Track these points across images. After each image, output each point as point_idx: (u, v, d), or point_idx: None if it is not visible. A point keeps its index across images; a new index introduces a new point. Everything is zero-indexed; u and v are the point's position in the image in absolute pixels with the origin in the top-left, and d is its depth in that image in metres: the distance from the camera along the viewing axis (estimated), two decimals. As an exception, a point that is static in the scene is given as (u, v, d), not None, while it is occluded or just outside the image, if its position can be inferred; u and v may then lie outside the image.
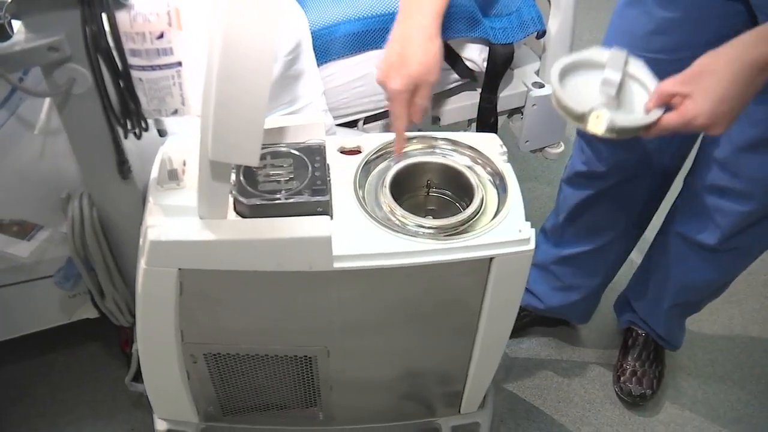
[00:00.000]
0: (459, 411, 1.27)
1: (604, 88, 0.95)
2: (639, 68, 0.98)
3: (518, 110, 1.44)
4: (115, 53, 0.78)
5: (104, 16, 0.76)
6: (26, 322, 1.27)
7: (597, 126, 0.93)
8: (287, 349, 1.07)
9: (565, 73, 0.99)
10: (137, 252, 1.00)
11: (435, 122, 1.40)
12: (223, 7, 0.67)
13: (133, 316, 1.12)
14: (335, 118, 1.26)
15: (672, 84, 0.91)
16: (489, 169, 1.05)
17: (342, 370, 1.12)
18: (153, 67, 0.82)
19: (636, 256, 1.48)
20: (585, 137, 1.29)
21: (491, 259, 0.96)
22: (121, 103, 0.80)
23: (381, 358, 1.13)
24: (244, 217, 0.92)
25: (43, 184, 0.98)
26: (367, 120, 1.31)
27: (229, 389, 1.16)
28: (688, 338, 1.53)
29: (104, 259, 1.01)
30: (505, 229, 0.96)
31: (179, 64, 0.83)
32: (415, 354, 1.13)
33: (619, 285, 1.56)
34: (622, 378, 1.48)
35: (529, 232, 0.96)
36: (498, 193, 1.02)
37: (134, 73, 0.82)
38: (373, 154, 1.06)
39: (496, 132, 1.32)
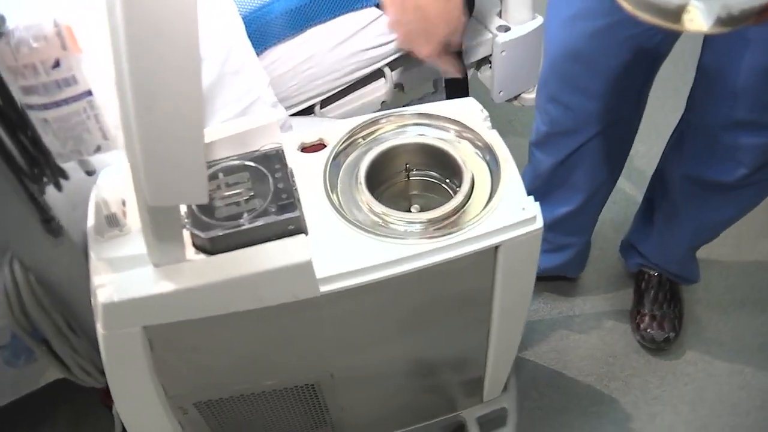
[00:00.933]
0: (482, 399, 1.17)
1: None
2: None
3: (485, 60, 1.30)
4: None
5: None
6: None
7: (697, 20, 0.67)
8: (285, 382, 0.95)
9: None
10: (89, 308, 0.87)
11: (400, 90, 1.26)
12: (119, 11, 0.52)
13: (103, 374, 0.99)
14: (288, 108, 1.11)
15: None
16: (473, 140, 0.92)
17: (351, 390, 1.01)
18: (57, 103, 0.67)
19: (630, 189, 1.37)
20: (548, 95, 1.17)
21: (497, 247, 0.84)
22: (25, 155, 0.65)
23: (391, 368, 1.01)
24: (206, 252, 0.79)
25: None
26: (324, 103, 1.17)
27: (229, 430, 1.04)
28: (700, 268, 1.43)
29: (55, 324, 0.87)
30: (506, 209, 0.84)
31: (89, 93, 0.68)
32: (428, 355, 1.02)
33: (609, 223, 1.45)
34: (641, 325, 1.39)
35: (534, 209, 0.84)
36: (489, 168, 0.90)
37: (35, 114, 0.67)
38: (341, 145, 0.92)
39: (467, 88, 1.19)
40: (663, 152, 1.31)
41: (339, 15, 1.08)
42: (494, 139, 0.91)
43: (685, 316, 1.43)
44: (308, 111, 1.16)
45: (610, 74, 1.08)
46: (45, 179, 0.69)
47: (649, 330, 1.38)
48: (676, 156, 1.24)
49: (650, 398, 1.34)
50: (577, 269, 1.48)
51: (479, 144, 0.91)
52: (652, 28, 0.92)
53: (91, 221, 0.80)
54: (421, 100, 1.32)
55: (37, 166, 0.67)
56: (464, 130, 0.93)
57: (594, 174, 1.25)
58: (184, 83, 0.55)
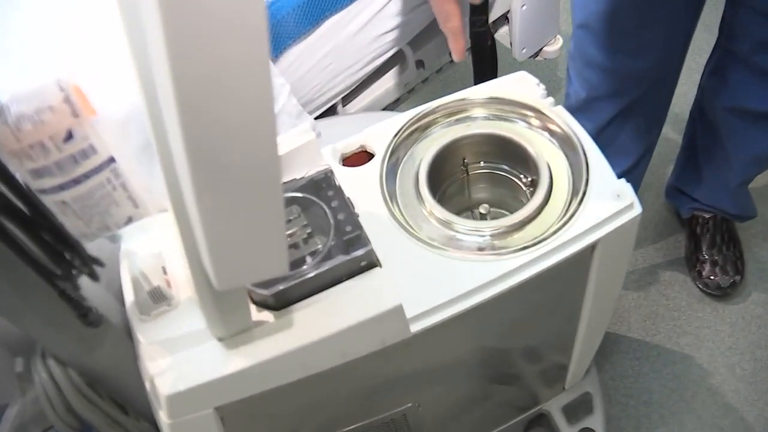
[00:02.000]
0: (564, 387, 1.08)
1: None
2: None
3: (502, 18, 1.17)
4: (4, 188, 0.49)
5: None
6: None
7: None
8: (371, 422, 0.85)
9: None
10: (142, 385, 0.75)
11: (419, 67, 1.12)
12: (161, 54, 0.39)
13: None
14: (311, 112, 0.97)
15: None
16: (537, 120, 0.81)
17: (437, 414, 0.91)
18: (76, 180, 0.54)
19: (666, 130, 1.27)
20: (585, 60, 1.06)
21: (596, 243, 0.73)
22: (49, 252, 0.52)
23: (477, 384, 0.92)
24: (270, 308, 0.67)
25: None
26: (345, 99, 1.03)
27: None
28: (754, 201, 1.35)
29: (106, 415, 0.75)
30: (597, 199, 0.73)
31: (111, 160, 0.55)
32: (514, 361, 0.92)
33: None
34: (703, 272, 1.31)
35: (629, 195, 0.73)
36: (563, 152, 0.78)
37: (51, 198, 0.54)
38: (390, 151, 0.80)
39: (494, 56, 1.06)
40: (699, 85, 1.20)
41: (353, 1, 0.94)
42: (563, 116, 0.79)
43: (745, 254, 1.35)
44: (330, 111, 1.03)
45: (657, 26, 0.97)
46: (75, 272, 0.57)
47: (712, 276, 1.30)
48: (714, 88, 1.15)
49: (725, 348, 1.27)
50: None
51: (547, 125, 0.80)
52: None
53: (130, 298, 0.67)
54: (439, 72, 1.19)
55: (65, 261, 0.54)
56: (526, 110, 0.81)
57: (641, 136, 1.15)
58: (259, 139, 0.42)
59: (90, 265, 0.56)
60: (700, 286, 1.32)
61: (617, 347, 1.29)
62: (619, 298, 1.35)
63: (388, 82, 1.08)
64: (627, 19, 0.96)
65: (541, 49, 1.24)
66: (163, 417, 0.67)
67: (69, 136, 0.51)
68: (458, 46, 0.90)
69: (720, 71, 1.12)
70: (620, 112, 1.09)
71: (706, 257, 1.31)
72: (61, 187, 0.54)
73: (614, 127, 1.11)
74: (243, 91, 0.39)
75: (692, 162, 1.27)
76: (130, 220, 0.60)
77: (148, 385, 0.68)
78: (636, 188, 1.28)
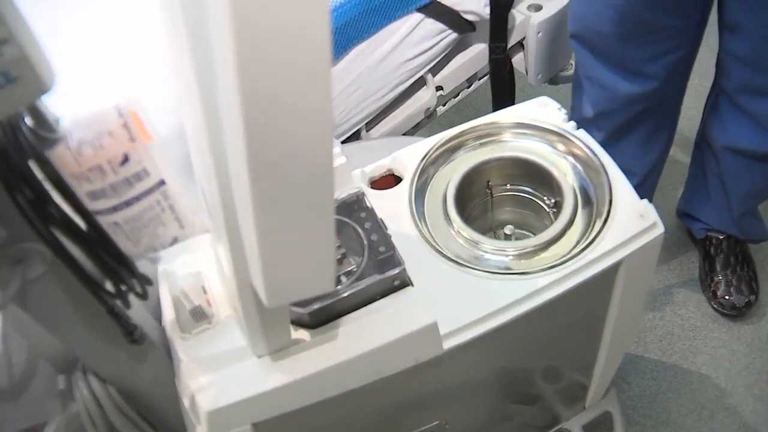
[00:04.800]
0: (584, 407, 1.10)
1: None
2: None
3: (518, 45, 1.21)
4: (67, 208, 0.52)
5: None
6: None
7: None
8: (398, 441, 0.86)
9: None
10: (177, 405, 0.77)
11: (438, 91, 1.15)
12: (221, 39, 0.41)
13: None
14: (335, 137, 1.00)
15: None
16: (560, 144, 0.83)
17: (462, 429, 0.92)
18: (128, 203, 0.57)
19: (674, 152, 1.29)
20: (587, 75, 1.08)
21: (621, 262, 0.75)
22: (104, 269, 0.54)
23: (501, 403, 0.93)
24: (306, 327, 0.69)
25: (31, 386, 0.72)
26: (369, 124, 1.06)
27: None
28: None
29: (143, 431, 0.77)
30: (621, 219, 0.75)
31: (162, 182, 0.58)
32: (537, 382, 0.94)
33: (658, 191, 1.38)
34: (718, 292, 1.33)
35: (652, 214, 0.76)
36: (587, 175, 0.81)
37: (104, 219, 0.56)
38: (419, 173, 0.82)
39: (512, 81, 1.09)
40: (701, 119, 1.23)
41: (380, 28, 0.98)
42: (586, 139, 0.82)
43: (759, 274, 1.37)
44: (354, 136, 1.06)
45: (655, 45, 1.00)
46: (127, 290, 0.59)
47: (727, 296, 1.32)
48: (713, 124, 1.18)
49: (742, 368, 1.28)
50: None
51: (570, 149, 0.82)
52: None
53: (170, 317, 0.69)
54: (456, 98, 1.23)
55: (119, 279, 0.56)
56: (549, 135, 0.84)
57: (643, 155, 1.18)
58: (317, 158, 0.45)
59: (143, 284, 0.59)
60: (715, 306, 1.34)
61: (634, 367, 1.30)
62: (634, 318, 1.36)
63: (410, 108, 1.11)
64: (622, 38, 0.98)
65: (555, 74, 1.28)
66: (201, 433, 0.69)
67: (125, 160, 0.53)
68: None
69: (716, 108, 1.15)
70: (623, 128, 1.11)
71: (721, 277, 1.33)
72: (115, 209, 0.56)
73: (618, 143, 1.13)
74: (306, 113, 0.41)
75: (700, 186, 1.30)
76: (175, 241, 0.62)
77: (186, 403, 0.70)
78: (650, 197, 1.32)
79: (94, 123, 0.51)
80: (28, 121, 0.49)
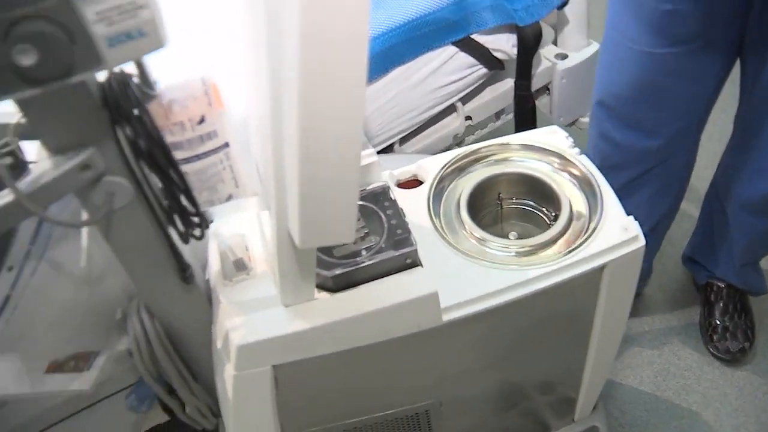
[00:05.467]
0: (573, 419, 1.18)
1: None
2: None
3: (543, 89, 1.34)
4: (157, 152, 0.66)
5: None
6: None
7: None
8: (397, 413, 0.97)
9: None
10: (210, 353, 0.90)
11: (467, 120, 1.30)
12: (290, 41, 0.55)
13: (216, 415, 1.01)
14: (372, 146, 1.14)
15: None
16: (565, 166, 0.96)
17: (455, 417, 1.02)
18: (198, 157, 0.71)
19: (684, 203, 1.40)
20: (599, 131, 1.20)
21: (604, 266, 0.86)
22: (177, 206, 0.68)
23: (493, 392, 1.03)
24: (328, 290, 0.82)
25: (91, 312, 0.86)
26: (402, 140, 1.20)
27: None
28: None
29: (179, 370, 0.89)
30: (608, 230, 0.87)
31: (226, 144, 0.72)
32: (529, 377, 1.04)
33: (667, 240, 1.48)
34: (714, 337, 1.41)
35: (635, 228, 0.87)
36: (583, 193, 0.93)
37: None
38: (438, 179, 0.96)
39: (534, 117, 1.23)
40: (714, 176, 1.33)
41: (419, 55, 1.13)
42: (586, 164, 0.94)
43: (757, 325, 1.44)
44: (388, 149, 1.20)
45: (672, 108, 1.12)
46: (184, 229, 0.72)
47: (722, 341, 1.40)
48: (722, 178, 1.27)
49: (731, 410, 1.35)
50: (640, 288, 1.51)
51: (571, 170, 0.95)
52: (718, 53, 0.97)
53: (215, 267, 0.83)
54: (484, 130, 1.36)
55: (185, 216, 0.70)
56: (554, 157, 0.96)
57: (652, 207, 1.27)
58: (350, 130, 0.58)
59: (203, 226, 0.72)
60: (711, 350, 1.42)
61: (629, 397, 1.38)
62: (634, 354, 1.45)
63: (440, 131, 1.25)
64: (641, 101, 1.10)
65: (576, 119, 1.40)
66: (229, 370, 0.81)
67: (201, 120, 0.68)
68: None
69: (727, 163, 1.25)
70: (630, 183, 1.22)
71: (718, 323, 1.41)
72: (187, 161, 0.70)
73: (624, 196, 1.24)
74: (344, 110, 0.56)
75: (707, 236, 1.39)
76: (230, 198, 0.76)
77: (219, 343, 0.83)
78: (651, 256, 1.41)
79: (183, 88, 0.65)
80: (135, 79, 0.63)
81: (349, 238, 0.68)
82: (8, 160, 0.66)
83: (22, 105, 0.59)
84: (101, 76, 0.62)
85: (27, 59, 0.48)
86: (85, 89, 0.60)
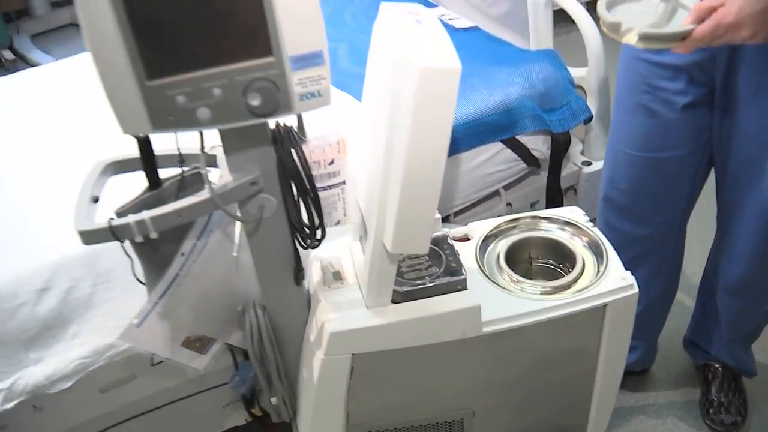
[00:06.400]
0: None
1: (646, 8, 1.09)
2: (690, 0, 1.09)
3: (571, 188, 1.66)
4: (304, 179, 0.97)
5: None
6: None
7: (631, 37, 1.06)
8: (437, 416, 1.22)
9: (615, 2, 1.15)
10: (298, 348, 1.17)
11: (509, 206, 1.61)
12: (404, 122, 0.87)
13: (293, 409, 1.26)
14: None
15: (710, 0, 1.02)
16: (581, 235, 1.25)
17: (483, 427, 1.26)
18: (324, 188, 1.02)
19: (684, 298, 1.64)
20: (603, 218, 1.49)
21: (605, 305, 1.14)
22: (309, 220, 0.99)
23: (515, 409, 1.27)
24: (396, 303, 1.10)
25: (221, 302, 1.15)
26: (456, 214, 1.52)
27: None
28: (761, 367, 1.67)
29: (277, 361, 1.16)
30: (610, 279, 1.15)
31: (343, 182, 1.04)
32: (545, 398, 1.27)
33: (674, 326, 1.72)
34: (711, 410, 1.62)
35: (631, 279, 1.15)
36: (594, 255, 1.21)
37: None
38: (483, 238, 1.25)
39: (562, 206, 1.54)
40: (706, 263, 1.59)
41: (475, 147, 1.46)
42: (596, 232, 1.23)
43: (750, 404, 1.65)
44: (445, 220, 1.51)
45: (657, 202, 1.41)
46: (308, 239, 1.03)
47: (717, 414, 1.61)
48: (713, 266, 1.52)
49: (724, 475, 1.53)
50: (646, 365, 1.74)
51: (586, 238, 1.24)
52: (692, 158, 1.28)
53: (317, 276, 1.12)
54: (520, 217, 1.67)
55: (311, 228, 1.01)
56: (572, 228, 1.26)
57: (647, 287, 1.48)
58: (435, 170, 0.90)
59: (322, 237, 1.03)
60: (708, 422, 1.62)
61: (633, 458, 1.58)
62: (640, 421, 1.66)
63: (485, 211, 1.56)
64: (632, 195, 1.40)
65: (596, 217, 1.71)
66: (318, 355, 1.09)
67: (331, 162, 1.00)
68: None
69: (715, 250, 1.52)
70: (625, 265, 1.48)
71: (714, 398, 1.63)
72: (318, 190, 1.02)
73: None
74: (433, 159, 0.87)
75: (702, 319, 1.64)
76: (338, 223, 1.07)
77: (313, 335, 1.10)
78: (653, 336, 1.65)
79: (323, 138, 0.98)
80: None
81: (424, 250, 0.98)
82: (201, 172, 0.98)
83: (224, 134, 0.92)
84: (272, 123, 0.95)
85: (255, 101, 0.81)
86: (263, 130, 0.94)
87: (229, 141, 0.93)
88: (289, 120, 0.94)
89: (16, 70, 3.69)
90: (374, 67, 0.99)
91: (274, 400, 1.23)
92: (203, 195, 0.93)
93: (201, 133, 0.91)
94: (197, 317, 1.12)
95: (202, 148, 0.92)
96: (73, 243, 1.21)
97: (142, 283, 1.09)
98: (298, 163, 0.95)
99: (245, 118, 0.83)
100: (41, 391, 1.18)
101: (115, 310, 1.22)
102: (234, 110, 0.83)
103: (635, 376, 1.74)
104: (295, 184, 0.97)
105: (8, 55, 3.64)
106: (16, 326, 1.16)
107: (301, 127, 0.96)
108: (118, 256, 1.22)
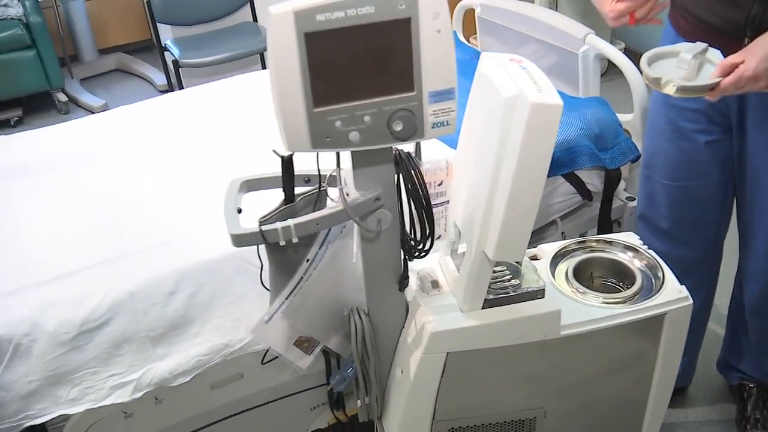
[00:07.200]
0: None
1: (680, 64, 1.29)
2: (716, 56, 1.30)
3: (615, 220, 1.85)
4: (422, 197, 1.15)
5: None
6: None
7: (669, 88, 1.27)
8: (513, 414, 1.37)
9: (654, 59, 1.35)
10: (391, 351, 1.32)
11: (563, 234, 1.79)
12: (514, 147, 1.05)
13: (380, 409, 1.40)
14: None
15: (732, 57, 1.22)
16: (638, 257, 1.42)
17: (552, 428, 1.41)
18: (433, 206, 1.20)
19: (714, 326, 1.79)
20: (643, 233, 1.66)
21: (665, 314, 1.30)
22: (421, 233, 1.17)
23: (579, 413, 1.42)
24: (485, 309, 1.27)
25: (330, 307, 1.31)
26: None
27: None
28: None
29: (374, 360, 1.32)
30: (668, 293, 1.32)
31: (447, 202, 1.22)
32: (604, 406, 1.42)
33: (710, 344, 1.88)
34: (747, 426, 1.76)
35: (686, 293, 1.32)
36: (651, 274, 1.38)
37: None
38: (553, 256, 1.43)
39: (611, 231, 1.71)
40: (733, 289, 1.76)
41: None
42: (653, 255, 1.41)
43: (783, 421, 1.80)
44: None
45: (691, 225, 1.59)
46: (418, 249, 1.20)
47: (755, 430, 1.75)
48: (738, 286, 1.70)
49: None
50: (685, 382, 1.89)
51: (644, 261, 1.41)
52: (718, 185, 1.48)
53: (416, 285, 1.29)
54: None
55: (423, 240, 1.18)
56: (630, 251, 1.43)
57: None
58: (536, 189, 1.08)
59: (430, 248, 1.20)
60: (745, 438, 1.77)
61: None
62: (681, 438, 1.80)
63: (543, 240, 1.74)
64: (665, 219, 1.58)
65: (638, 247, 1.88)
66: (417, 354, 1.25)
67: (440, 183, 1.18)
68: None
69: (743, 272, 1.69)
70: None
71: (750, 416, 1.77)
72: (425, 208, 1.20)
73: None
74: (533, 184, 1.06)
75: (734, 340, 1.79)
76: (439, 237, 1.24)
77: (411, 337, 1.26)
78: (692, 351, 1.81)
79: (435, 164, 1.17)
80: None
81: (521, 257, 1.15)
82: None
83: (357, 155, 1.10)
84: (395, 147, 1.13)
85: (398, 127, 1.00)
86: (389, 153, 1.12)
87: (359, 161, 1.12)
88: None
89: (67, 112, 3.93)
90: (477, 104, 1.18)
91: (367, 399, 1.37)
92: (337, 207, 1.11)
93: (338, 155, 1.09)
94: (311, 320, 1.28)
95: (338, 166, 1.10)
96: (197, 253, 1.39)
97: (267, 289, 1.25)
98: (417, 182, 1.13)
99: (388, 141, 1.02)
100: (165, 384, 1.34)
101: (230, 314, 1.38)
102: (379, 134, 1.01)
103: (674, 395, 1.89)
104: (413, 201, 1.14)
105: (62, 97, 3.87)
106: (147, 324, 1.33)
107: (418, 152, 1.15)
108: (234, 266, 1.40)
